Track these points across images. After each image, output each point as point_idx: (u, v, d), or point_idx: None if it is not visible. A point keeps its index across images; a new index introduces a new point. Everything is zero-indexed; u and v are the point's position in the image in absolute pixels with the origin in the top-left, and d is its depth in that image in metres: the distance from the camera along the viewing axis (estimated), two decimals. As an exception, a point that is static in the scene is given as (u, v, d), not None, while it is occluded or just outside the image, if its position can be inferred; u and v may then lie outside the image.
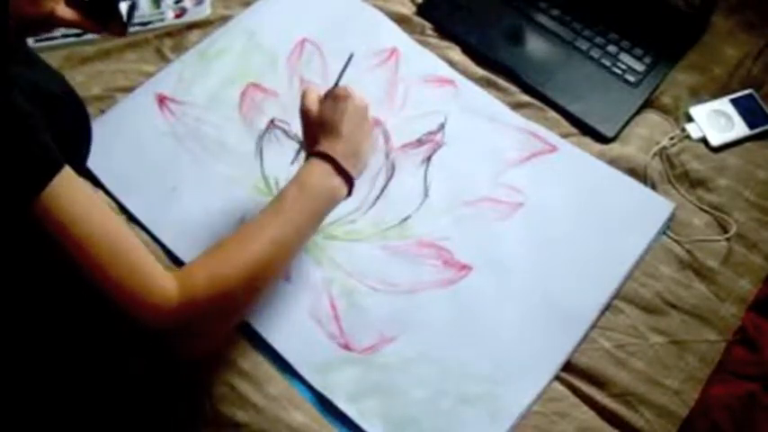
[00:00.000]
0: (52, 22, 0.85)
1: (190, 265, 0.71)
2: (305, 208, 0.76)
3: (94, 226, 0.62)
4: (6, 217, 0.58)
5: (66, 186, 0.61)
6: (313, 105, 0.82)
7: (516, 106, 1.00)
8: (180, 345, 0.68)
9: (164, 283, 0.66)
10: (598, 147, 0.97)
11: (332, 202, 0.79)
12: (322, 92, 0.83)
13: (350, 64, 0.87)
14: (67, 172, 0.62)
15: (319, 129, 0.81)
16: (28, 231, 0.60)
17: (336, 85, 0.83)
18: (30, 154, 0.59)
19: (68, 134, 0.76)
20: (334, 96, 0.81)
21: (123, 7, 0.86)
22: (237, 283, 0.69)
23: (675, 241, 0.89)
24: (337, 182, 0.78)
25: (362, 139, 0.82)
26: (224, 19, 1.08)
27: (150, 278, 0.65)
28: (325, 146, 0.79)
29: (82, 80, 1.00)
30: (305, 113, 0.82)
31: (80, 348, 0.76)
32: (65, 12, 0.84)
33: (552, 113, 0.99)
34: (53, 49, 1.02)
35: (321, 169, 0.78)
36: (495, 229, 0.90)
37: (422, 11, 1.10)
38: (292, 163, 0.90)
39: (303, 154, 0.86)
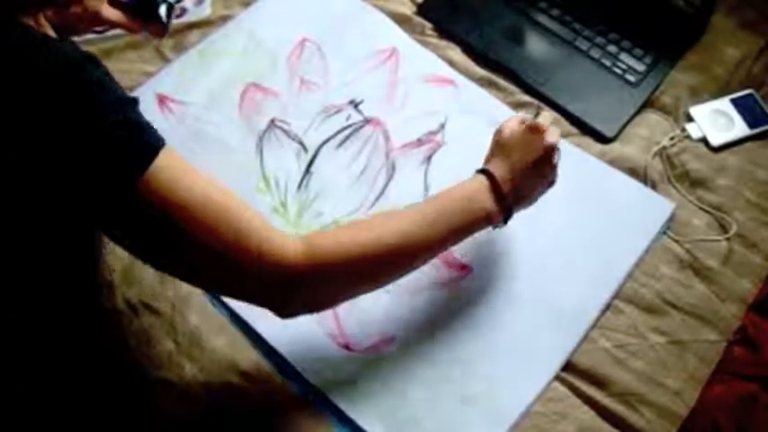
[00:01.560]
0: (96, 21, 0.86)
1: (316, 232, 0.73)
2: (447, 212, 0.74)
3: (204, 195, 0.63)
4: (110, 198, 0.59)
5: (171, 162, 0.62)
6: (507, 127, 0.80)
7: (516, 106, 1.00)
8: (295, 301, 0.69)
9: (284, 240, 0.66)
10: (598, 147, 0.97)
11: (478, 220, 0.76)
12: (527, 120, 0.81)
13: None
14: (169, 148, 0.62)
15: (497, 148, 0.80)
16: (128, 211, 0.60)
17: (536, 116, 0.81)
18: (136, 132, 0.60)
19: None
20: (528, 126, 0.79)
21: (162, 9, 0.87)
22: (361, 259, 0.69)
23: (675, 241, 0.89)
24: (489, 201, 0.76)
25: (534, 176, 0.79)
26: (224, 19, 1.08)
27: (269, 234, 0.65)
28: (492, 165, 0.78)
29: (82, 80, 1.00)
30: (497, 131, 0.81)
31: (76, 350, 0.76)
32: (108, 12, 0.85)
33: (552, 113, 0.99)
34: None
35: (477, 183, 0.77)
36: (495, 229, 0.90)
37: (422, 11, 1.10)
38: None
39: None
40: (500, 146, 0.80)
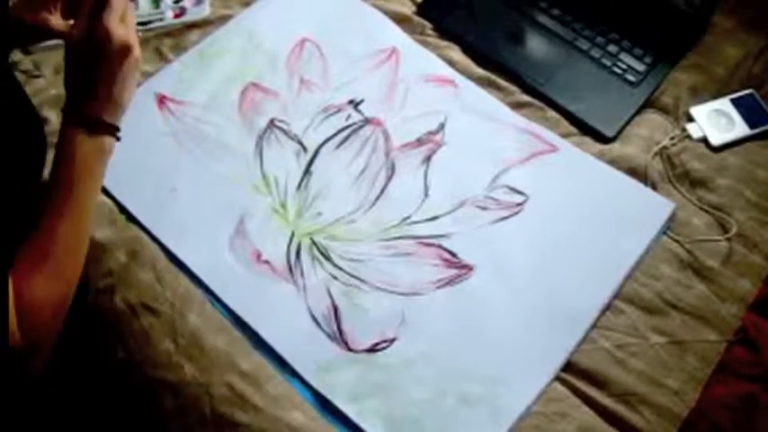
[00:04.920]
0: (46, 31, 0.85)
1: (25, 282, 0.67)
2: (82, 183, 0.71)
3: None
4: None
5: None
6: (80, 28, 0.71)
7: (516, 106, 1.00)
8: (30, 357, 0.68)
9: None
10: (598, 147, 0.97)
11: (103, 161, 0.73)
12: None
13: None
14: None
15: (77, 74, 0.72)
16: None
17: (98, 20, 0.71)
18: None
19: (16, 150, 0.76)
20: (92, 29, 0.70)
21: None
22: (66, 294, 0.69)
23: (676, 241, 0.89)
24: (102, 140, 0.72)
25: (123, 88, 0.72)
26: (224, 19, 1.07)
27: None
28: (83, 104, 0.72)
29: (81, 80, 1.00)
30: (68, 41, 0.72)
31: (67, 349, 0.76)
32: (59, 23, 0.84)
33: (552, 113, 0.99)
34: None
35: (82, 139, 0.71)
36: (495, 229, 0.90)
37: (422, 10, 1.10)
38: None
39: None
40: (71, 56, 0.72)
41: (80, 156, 0.71)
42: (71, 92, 0.73)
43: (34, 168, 0.81)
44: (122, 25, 0.71)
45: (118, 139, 0.74)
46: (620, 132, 0.98)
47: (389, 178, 0.94)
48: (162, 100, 0.99)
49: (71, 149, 0.71)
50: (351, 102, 1.00)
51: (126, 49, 0.71)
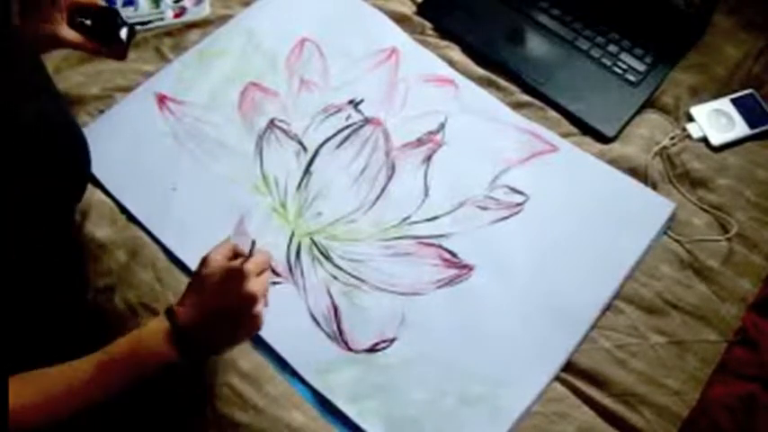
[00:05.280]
0: (55, 42, 0.86)
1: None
2: (114, 369, 0.69)
3: None
4: None
5: None
6: (212, 260, 0.72)
7: (516, 106, 1.00)
8: None
9: None
10: (598, 146, 0.97)
11: (149, 365, 0.70)
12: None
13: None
14: None
15: (195, 282, 0.72)
16: None
17: (250, 254, 0.72)
18: None
19: (64, 165, 0.76)
20: (229, 268, 0.71)
21: (123, 32, 0.88)
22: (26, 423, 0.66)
23: (676, 241, 0.89)
24: (164, 345, 0.70)
25: (225, 324, 0.71)
26: (223, 19, 1.08)
27: None
28: (183, 302, 0.72)
29: (81, 80, 1.00)
30: (202, 260, 0.73)
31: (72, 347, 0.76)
32: (68, 33, 0.86)
33: (552, 113, 0.99)
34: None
35: (155, 326, 0.71)
36: (495, 229, 0.90)
37: (422, 10, 1.10)
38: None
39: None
40: (199, 279, 0.72)
41: (148, 364, 0.70)
42: (184, 297, 0.72)
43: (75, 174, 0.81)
44: (257, 279, 0.71)
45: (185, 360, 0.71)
46: (620, 132, 0.98)
47: (389, 178, 0.94)
48: (162, 100, 0.99)
49: (147, 350, 0.70)
50: (351, 102, 1.00)
51: (251, 299, 0.70)
